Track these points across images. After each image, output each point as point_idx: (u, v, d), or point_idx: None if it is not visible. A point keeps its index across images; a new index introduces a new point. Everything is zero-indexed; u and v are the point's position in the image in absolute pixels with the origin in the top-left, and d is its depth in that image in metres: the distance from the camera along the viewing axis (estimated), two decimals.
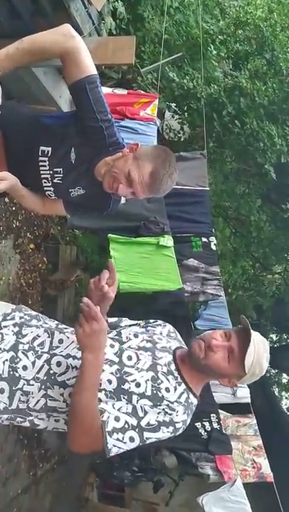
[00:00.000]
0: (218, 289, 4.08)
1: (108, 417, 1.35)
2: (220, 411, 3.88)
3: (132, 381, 1.42)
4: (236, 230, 6.26)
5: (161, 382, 1.43)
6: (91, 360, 1.30)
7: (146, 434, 1.37)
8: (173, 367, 1.48)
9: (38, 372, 1.44)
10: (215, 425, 3.72)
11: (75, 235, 6.11)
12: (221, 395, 3.99)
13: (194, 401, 1.48)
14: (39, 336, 1.51)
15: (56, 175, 1.77)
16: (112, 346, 1.48)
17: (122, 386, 1.41)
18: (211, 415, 3.75)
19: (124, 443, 1.34)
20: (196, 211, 4.27)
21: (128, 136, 4.13)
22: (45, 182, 1.80)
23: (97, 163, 1.73)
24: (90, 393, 1.33)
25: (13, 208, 4.61)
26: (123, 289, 3.90)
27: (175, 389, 1.43)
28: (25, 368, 1.44)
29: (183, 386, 1.45)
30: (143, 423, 1.37)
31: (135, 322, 1.72)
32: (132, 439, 1.35)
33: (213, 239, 4.20)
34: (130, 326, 1.68)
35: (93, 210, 1.95)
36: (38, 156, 1.73)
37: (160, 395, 1.41)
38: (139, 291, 4.04)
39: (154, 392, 1.41)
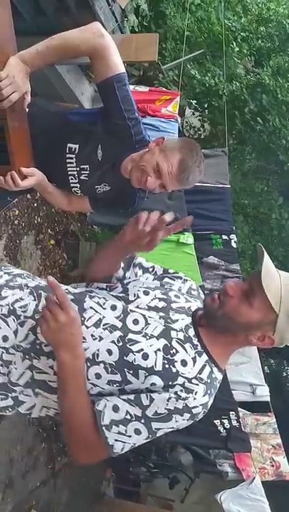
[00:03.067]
0: None
1: (105, 405, 1.11)
2: (239, 409, 3.88)
3: (137, 351, 1.14)
4: (255, 228, 6.22)
5: (176, 352, 1.14)
6: (68, 360, 1.10)
7: (155, 425, 1.11)
8: (192, 332, 1.19)
9: (21, 341, 1.20)
10: (234, 423, 3.72)
11: (94, 232, 6.15)
12: (241, 392, 3.98)
13: (219, 376, 1.19)
14: (22, 299, 1.26)
15: (83, 172, 1.78)
16: (113, 308, 1.21)
17: (126, 358, 1.14)
18: (230, 413, 3.75)
19: (129, 436, 1.11)
20: (217, 209, 4.26)
21: (149, 133, 4.10)
22: (71, 179, 1.81)
23: (124, 160, 1.74)
24: (77, 399, 1.12)
25: (35, 205, 4.67)
26: None
27: (194, 361, 1.14)
28: (5, 338, 1.21)
29: (204, 357, 1.16)
30: (149, 413, 1.11)
31: (150, 265, 1.46)
32: (137, 432, 1.11)
33: (233, 236, 4.19)
34: (143, 273, 1.43)
35: (118, 207, 1.95)
36: (65, 153, 1.75)
37: (174, 370, 1.12)
38: None
39: (167, 366, 1.13)
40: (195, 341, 1.18)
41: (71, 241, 5.70)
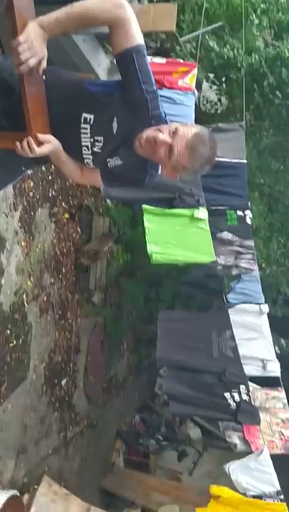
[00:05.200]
0: (252, 263, 4.06)
1: None
2: (249, 383, 3.92)
3: None
4: (271, 206, 6.15)
5: None
6: None
7: None
8: None
9: None
10: (244, 396, 3.76)
11: (108, 207, 6.16)
12: (251, 367, 4.02)
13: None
14: None
15: (97, 143, 1.76)
16: None
17: None
18: (241, 387, 3.79)
19: None
20: (233, 184, 4.22)
21: (165, 105, 4.01)
22: (85, 150, 1.79)
23: (138, 134, 1.72)
24: None
25: (50, 177, 4.67)
26: (156, 259, 3.93)
27: None
28: None
29: None
30: None
31: None
32: None
33: (248, 212, 4.16)
34: None
35: (129, 183, 1.93)
36: (80, 122, 1.72)
37: None
38: (171, 262, 4.07)
39: None
40: None
41: (85, 215, 5.72)
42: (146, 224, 4.03)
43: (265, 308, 4.15)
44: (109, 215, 6.18)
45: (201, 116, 5.76)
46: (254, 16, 5.02)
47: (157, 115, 1.69)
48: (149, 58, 4.87)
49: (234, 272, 4.09)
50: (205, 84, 6.02)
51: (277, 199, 5.94)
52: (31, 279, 4.37)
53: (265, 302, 4.23)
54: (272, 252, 5.22)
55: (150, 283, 6.74)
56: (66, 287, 5.25)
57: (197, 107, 5.42)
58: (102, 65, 4.24)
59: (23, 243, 4.15)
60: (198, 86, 5.79)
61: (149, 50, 5.02)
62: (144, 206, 4.05)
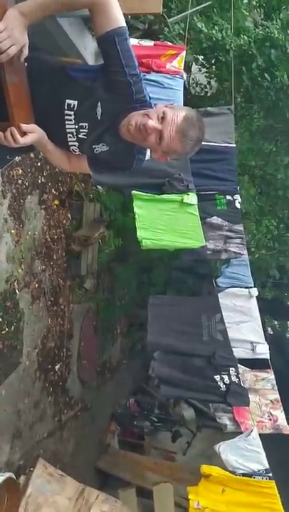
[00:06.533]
0: (241, 247, 4.08)
1: None
2: (239, 365, 3.98)
3: None
4: (262, 189, 6.16)
5: None
6: None
7: None
8: None
9: None
10: (233, 378, 3.83)
11: (98, 192, 6.13)
12: (241, 350, 4.08)
13: None
14: None
15: (81, 130, 1.75)
16: None
17: None
18: (230, 369, 3.85)
19: None
20: (222, 168, 4.21)
21: (154, 89, 4.04)
22: (70, 137, 1.78)
23: (123, 119, 1.71)
24: None
25: (39, 164, 4.64)
26: (146, 245, 3.94)
27: None
28: None
29: None
30: None
31: None
32: None
33: (237, 197, 4.16)
34: None
35: (116, 169, 1.93)
36: (64, 109, 1.72)
37: None
38: (161, 248, 4.08)
39: None
40: None
41: (75, 201, 5.70)
42: (135, 210, 4.02)
43: (254, 291, 4.19)
44: (100, 200, 6.16)
45: (191, 99, 5.71)
46: None
47: (142, 98, 1.69)
48: (136, 41, 4.78)
49: (223, 256, 4.11)
50: (194, 67, 5.95)
51: (268, 181, 5.93)
52: (22, 266, 4.38)
53: (255, 286, 4.27)
54: (261, 236, 5.24)
55: (142, 268, 6.76)
56: (57, 274, 5.27)
57: (187, 89, 5.37)
58: (88, 48, 4.16)
59: (12, 231, 4.14)
60: (188, 69, 5.73)
61: (137, 32, 4.96)
62: (134, 192, 4.03)
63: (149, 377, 7.17)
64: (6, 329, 4.11)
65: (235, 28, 4.69)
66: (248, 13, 4.85)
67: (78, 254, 5.64)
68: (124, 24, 1.58)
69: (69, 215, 5.51)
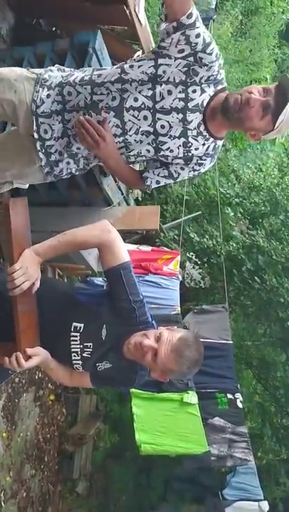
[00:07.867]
0: (247, 452, 3.81)
1: (150, 182, 1.83)
2: None
3: (166, 149, 1.74)
4: (260, 376, 6.02)
5: (192, 144, 1.72)
6: (112, 164, 1.78)
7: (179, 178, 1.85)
8: (202, 128, 1.71)
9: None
10: None
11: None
12: None
13: (220, 143, 1.80)
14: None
15: (86, 349, 1.81)
16: (145, 118, 1.68)
17: (159, 154, 1.76)
18: None
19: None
20: (220, 365, 4.20)
21: (152, 289, 4.30)
22: (74, 356, 1.83)
23: (126, 339, 1.78)
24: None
25: None
26: (145, 451, 3.70)
27: (204, 145, 1.74)
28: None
29: (211, 140, 1.74)
30: (178, 180, 1.89)
31: None
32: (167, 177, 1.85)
33: (239, 395, 4.06)
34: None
35: (119, 384, 1.96)
36: (70, 331, 1.80)
37: (190, 154, 1.75)
38: (161, 453, 3.81)
39: (185, 153, 1.74)
40: (204, 133, 1.72)
41: (71, 394, 5.54)
42: (134, 410, 3.88)
43: (265, 505, 3.76)
44: (96, 392, 5.99)
45: (186, 292, 6.02)
46: (229, 209, 5.58)
47: (145, 320, 1.78)
48: (135, 246, 5.23)
49: (229, 463, 3.80)
50: (188, 264, 6.44)
51: (268, 366, 5.83)
52: (11, 473, 4.01)
53: (264, 497, 3.85)
54: (266, 439, 4.93)
55: (140, 466, 6.21)
56: (48, 478, 4.82)
57: (183, 284, 5.69)
58: (92, 254, 4.53)
59: (4, 434, 3.91)
60: (182, 265, 6.19)
61: (135, 236, 5.50)
62: (132, 390, 3.94)
63: None
64: None
65: (223, 235, 5.21)
66: (234, 224, 5.41)
67: (71, 455, 5.23)
68: (128, 259, 1.76)
69: (64, 410, 5.28)
